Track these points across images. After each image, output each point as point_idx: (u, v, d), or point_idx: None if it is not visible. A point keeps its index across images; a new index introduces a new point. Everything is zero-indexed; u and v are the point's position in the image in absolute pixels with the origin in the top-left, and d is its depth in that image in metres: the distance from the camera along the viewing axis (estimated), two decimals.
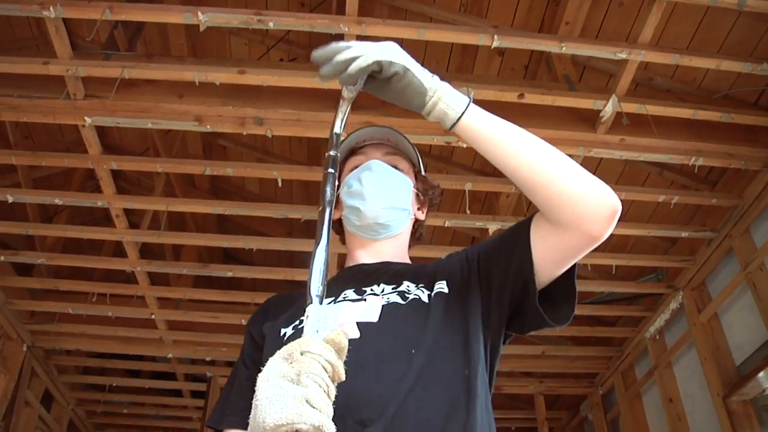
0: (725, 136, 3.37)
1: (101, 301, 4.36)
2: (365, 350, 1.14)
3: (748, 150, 3.38)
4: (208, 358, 4.92)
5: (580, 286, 4.11)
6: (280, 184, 3.29)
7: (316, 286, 1.02)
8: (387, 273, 1.40)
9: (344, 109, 1.29)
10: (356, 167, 1.53)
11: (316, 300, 1.01)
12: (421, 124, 2.99)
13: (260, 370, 1.11)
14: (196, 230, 4.48)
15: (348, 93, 1.27)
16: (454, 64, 3.73)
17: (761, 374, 3.42)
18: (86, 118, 3.04)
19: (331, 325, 0.97)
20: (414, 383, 1.12)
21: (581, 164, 3.48)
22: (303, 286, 1.09)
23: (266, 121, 3.07)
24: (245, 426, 1.13)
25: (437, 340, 1.21)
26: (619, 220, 1.22)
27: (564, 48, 2.89)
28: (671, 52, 2.95)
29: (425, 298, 1.30)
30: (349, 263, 1.53)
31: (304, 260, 4.56)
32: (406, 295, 1.30)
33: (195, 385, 5.52)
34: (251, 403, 1.13)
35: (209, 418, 1.34)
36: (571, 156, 3.31)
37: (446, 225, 3.60)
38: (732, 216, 3.70)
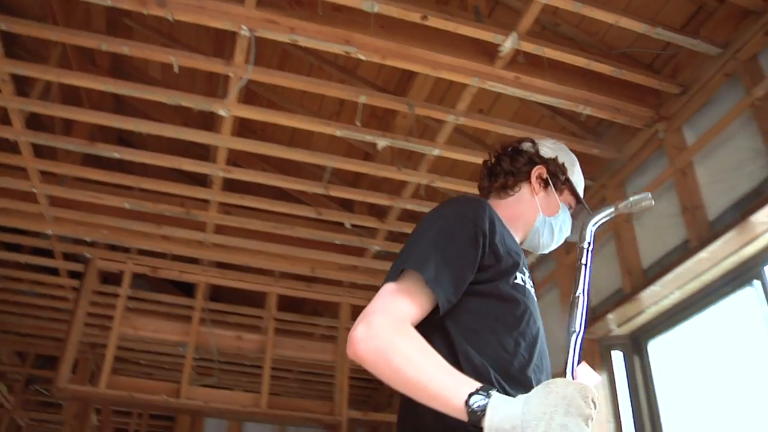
0: (615, 90, 3.52)
1: None
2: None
3: (634, 108, 3.54)
4: (88, 239, 4.87)
5: None
6: (176, 70, 3.24)
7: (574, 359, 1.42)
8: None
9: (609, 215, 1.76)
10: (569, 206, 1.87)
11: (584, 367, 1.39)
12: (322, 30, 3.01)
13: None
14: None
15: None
16: None
17: (610, 316, 3.69)
18: None
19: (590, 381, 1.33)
20: None
21: (475, 95, 3.56)
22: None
23: (168, 4, 3.00)
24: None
25: None
26: None
27: None
28: None
29: None
30: (518, 231, 1.79)
31: (197, 151, 4.53)
32: None
33: (73, 264, 5.46)
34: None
35: (442, 289, 1.39)
36: (465, 85, 3.40)
37: (337, 134, 3.65)
38: (609, 168, 3.90)
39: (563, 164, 1.85)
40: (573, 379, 1.30)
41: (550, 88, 3.37)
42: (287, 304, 6.18)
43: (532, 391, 1.21)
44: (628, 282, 3.63)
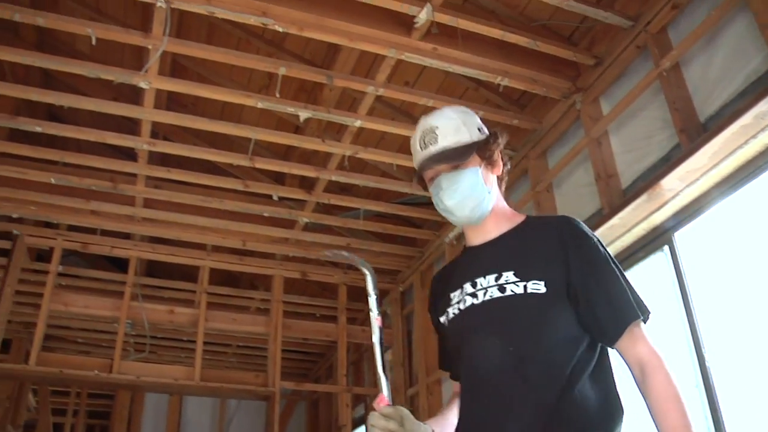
0: (532, 62, 3.60)
1: None
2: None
3: (551, 79, 3.63)
4: (15, 215, 4.80)
5: (389, 185, 4.34)
6: (93, 42, 3.19)
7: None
8: (492, 260, 1.68)
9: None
10: (431, 180, 1.73)
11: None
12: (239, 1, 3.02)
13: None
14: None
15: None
16: None
17: None
18: None
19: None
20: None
21: (399, 67, 3.57)
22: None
23: None
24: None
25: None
26: None
27: None
28: None
29: (520, 290, 1.58)
30: (467, 241, 1.81)
31: (128, 126, 4.48)
32: (504, 287, 1.60)
33: (1, 242, 5.37)
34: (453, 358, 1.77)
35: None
36: (383, 56, 3.41)
37: (258, 105, 3.66)
38: (531, 139, 4.00)
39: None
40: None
41: (468, 59, 3.43)
42: (224, 278, 6.19)
43: None
44: None
